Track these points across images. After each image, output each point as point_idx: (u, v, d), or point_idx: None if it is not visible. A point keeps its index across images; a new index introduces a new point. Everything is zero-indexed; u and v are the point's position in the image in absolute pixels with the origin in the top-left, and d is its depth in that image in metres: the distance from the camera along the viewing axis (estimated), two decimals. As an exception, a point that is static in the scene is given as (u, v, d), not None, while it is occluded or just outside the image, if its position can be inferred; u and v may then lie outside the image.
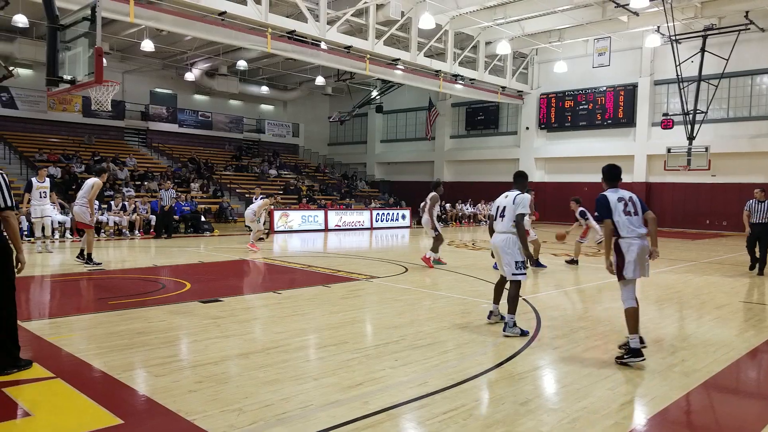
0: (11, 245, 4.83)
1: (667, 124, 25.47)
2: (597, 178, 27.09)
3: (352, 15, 21.52)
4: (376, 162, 40.11)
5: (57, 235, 17.11)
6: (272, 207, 14.60)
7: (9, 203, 4.74)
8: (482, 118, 34.56)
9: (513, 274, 6.53)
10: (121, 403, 4.26)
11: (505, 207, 6.66)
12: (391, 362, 5.36)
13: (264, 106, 39.91)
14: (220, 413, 4.07)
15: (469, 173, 34.98)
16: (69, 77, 10.56)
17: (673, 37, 22.95)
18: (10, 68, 16.57)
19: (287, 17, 20.49)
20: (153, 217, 19.05)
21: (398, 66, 24.60)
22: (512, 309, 6.48)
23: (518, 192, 6.71)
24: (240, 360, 5.37)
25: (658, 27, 23.90)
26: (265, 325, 6.89)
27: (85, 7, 10.29)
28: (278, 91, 38.25)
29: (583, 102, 29.89)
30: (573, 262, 13.23)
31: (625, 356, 5.44)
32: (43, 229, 14.31)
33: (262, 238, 17.19)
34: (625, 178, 29.32)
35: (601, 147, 28.83)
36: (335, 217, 24.20)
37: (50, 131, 28.64)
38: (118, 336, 6.10)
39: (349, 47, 22.03)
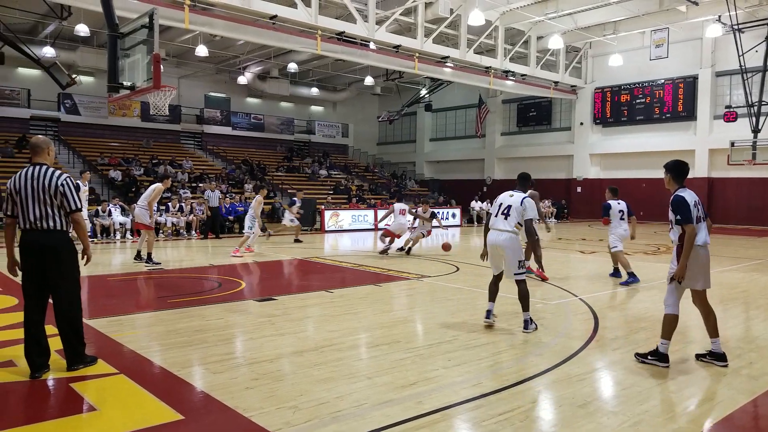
0: (76, 245, 5.03)
1: (730, 116, 24.48)
2: (655, 174, 26.55)
3: (400, 14, 21.55)
4: (425, 161, 40.01)
5: (118, 236, 17.75)
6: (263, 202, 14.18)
7: (78, 206, 4.93)
8: (534, 114, 34.04)
9: (516, 274, 6.48)
10: (181, 399, 4.37)
11: (510, 206, 6.59)
12: (444, 362, 5.32)
13: (314, 108, 40.39)
14: (276, 410, 4.13)
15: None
16: (129, 83, 10.91)
17: (736, 26, 22.03)
18: (73, 76, 17.20)
19: (336, 19, 20.67)
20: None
21: (447, 64, 24.47)
22: (526, 307, 6.50)
23: (525, 195, 6.71)
24: (294, 358, 5.44)
25: (720, 16, 22.96)
26: (318, 323, 6.95)
27: (143, 15, 10.62)
28: (328, 92, 38.65)
29: (640, 96, 29.03)
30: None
31: (650, 357, 5.27)
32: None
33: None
34: (686, 173, 27.91)
35: (660, 142, 27.95)
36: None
37: (111, 136, 29.77)
38: (177, 333, 6.26)
39: (397, 46, 22.04)
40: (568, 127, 32.54)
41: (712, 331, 5.33)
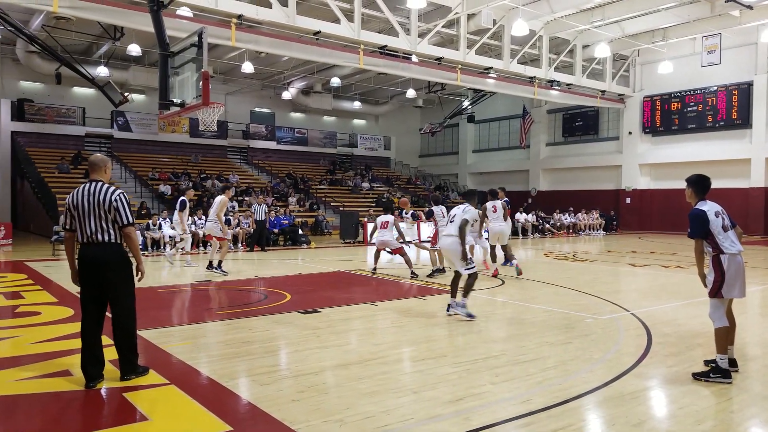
0: (131, 258, 5.18)
1: (787, 123, 23.56)
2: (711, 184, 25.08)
3: (442, 26, 21.56)
4: (468, 172, 39.74)
5: (168, 249, 18.14)
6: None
7: (131, 220, 5.10)
8: (580, 124, 33.49)
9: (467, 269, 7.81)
10: (229, 410, 4.40)
11: (454, 215, 7.96)
12: (491, 377, 5.22)
13: (356, 121, 40.73)
14: (322, 423, 4.12)
15: (568, 181, 33.89)
16: (179, 101, 11.26)
17: (792, 30, 21.26)
18: (126, 94, 17.82)
19: (378, 33, 20.82)
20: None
21: (490, 74, 24.32)
22: (466, 294, 7.79)
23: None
24: (340, 371, 5.43)
25: (775, 20, 22.23)
26: (362, 336, 6.93)
27: (193, 34, 10.97)
28: (370, 106, 38.94)
29: (692, 103, 28.20)
30: (440, 270, 12.33)
31: (712, 375, 5.17)
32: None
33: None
34: (742, 183, 27.34)
35: (714, 151, 27.07)
36: (427, 229, 24.03)
37: (161, 151, 30.63)
38: (224, 345, 6.34)
39: (440, 59, 22.03)
40: (616, 136, 31.88)
41: (732, 339, 5.40)
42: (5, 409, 4.52)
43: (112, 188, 5.11)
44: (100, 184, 5.11)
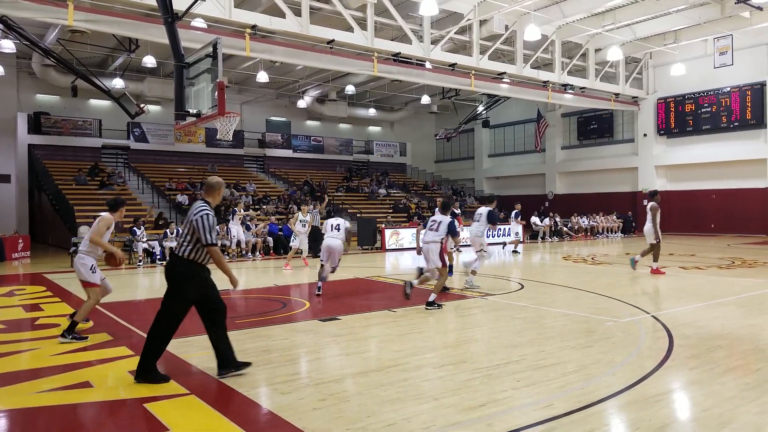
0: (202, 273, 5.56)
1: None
2: (725, 185, 25.67)
3: (455, 33, 21.60)
4: (484, 177, 39.69)
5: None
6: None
7: (209, 240, 5.34)
8: (595, 127, 33.33)
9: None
10: (251, 420, 4.43)
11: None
12: (512, 383, 5.20)
13: (372, 128, 40.84)
14: (344, 431, 4.12)
15: (584, 184, 33.71)
16: (195, 111, 11.35)
17: (805, 29, 21.03)
18: (141, 105, 18.00)
19: (392, 40, 20.90)
20: (270, 239, 19.94)
21: (504, 79, 24.28)
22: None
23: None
24: (360, 378, 5.43)
25: (787, 20, 21.97)
26: (382, 343, 6.93)
27: (207, 45, 11.06)
28: (385, 113, 39.06)
29: (706, 105, 27.95)
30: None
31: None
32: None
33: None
34: (758, 183, 27.01)
35: (729, 151, 26.78)
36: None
37: (177, 162, 30.90)
38: (245, 354, 6.34)
39: (453, 65, 22.05)
40: (631, 138, 31.67)
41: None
42: (26, 422, 4.57)
43: (200, 208, 5.38)
44: (197, 202, 5.49)
